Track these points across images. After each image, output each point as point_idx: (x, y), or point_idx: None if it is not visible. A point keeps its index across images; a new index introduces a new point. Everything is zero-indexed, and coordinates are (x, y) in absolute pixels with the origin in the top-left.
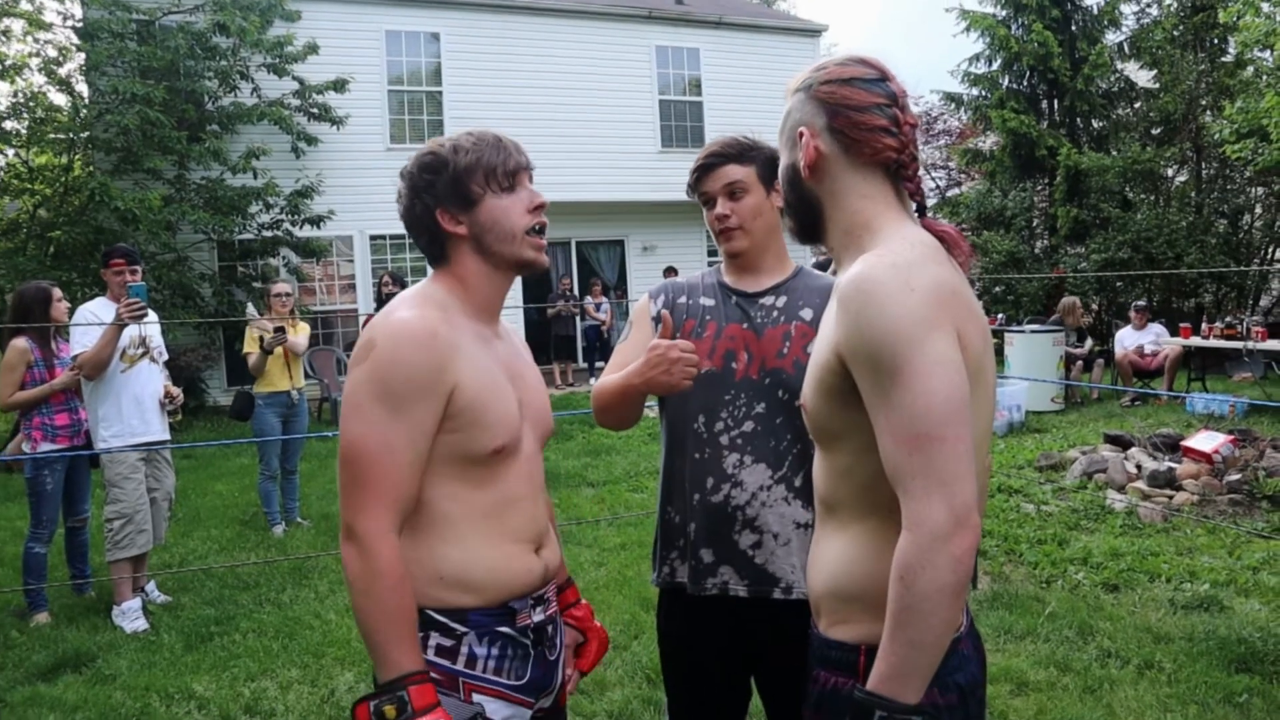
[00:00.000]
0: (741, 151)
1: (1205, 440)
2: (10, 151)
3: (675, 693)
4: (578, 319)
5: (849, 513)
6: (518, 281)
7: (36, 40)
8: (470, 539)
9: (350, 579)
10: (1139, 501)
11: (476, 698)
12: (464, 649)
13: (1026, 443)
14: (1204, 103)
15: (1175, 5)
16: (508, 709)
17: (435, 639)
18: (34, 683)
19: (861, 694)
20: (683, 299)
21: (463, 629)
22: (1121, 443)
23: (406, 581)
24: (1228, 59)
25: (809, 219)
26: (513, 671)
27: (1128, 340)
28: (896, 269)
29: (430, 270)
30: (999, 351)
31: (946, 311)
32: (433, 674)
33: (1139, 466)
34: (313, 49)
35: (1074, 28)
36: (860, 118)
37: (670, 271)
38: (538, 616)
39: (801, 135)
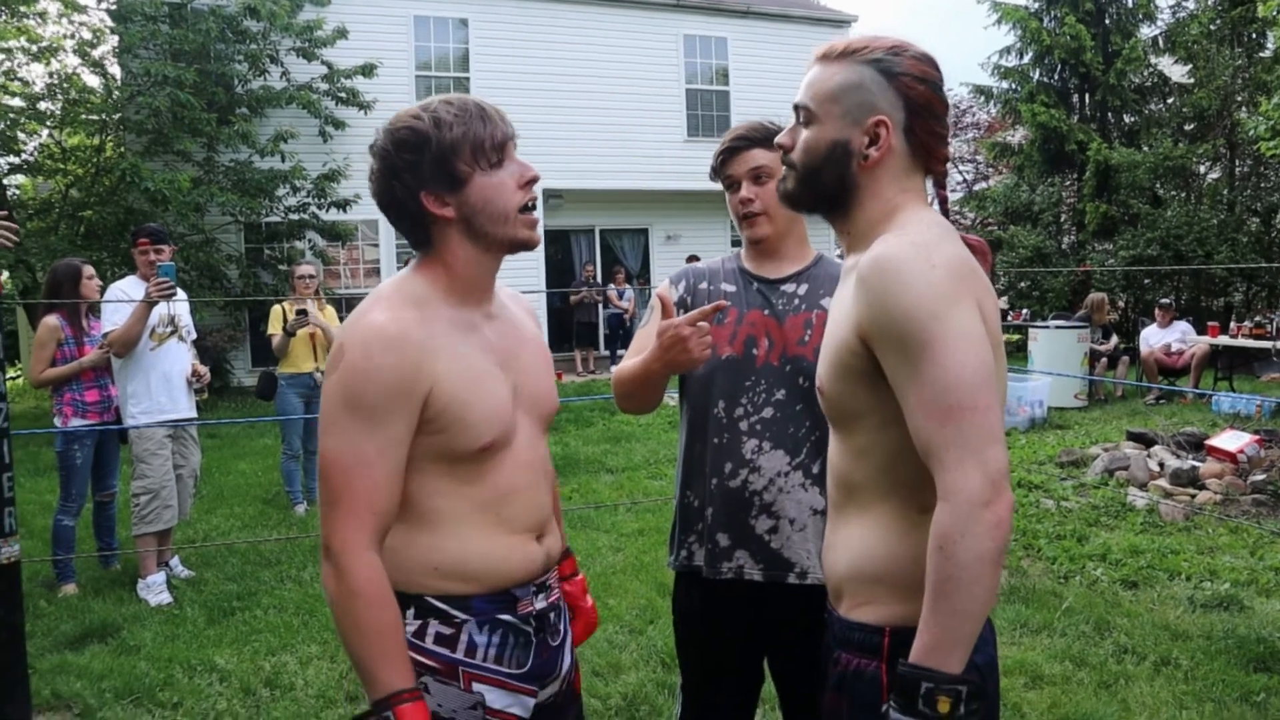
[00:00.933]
0: (767, 136)
1: (1230, 440)
2: (44, 132)
3: (689, 674)
4: (600, 306)
5: (869, 494)
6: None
7: (71, 22)
8: (465, 533)
9: (329, 600)
10: (1161, 499)
11: (477, 686)
12: (463, 637)
13: (1048, 439)
14: (1239, 99)
15: None
16: (508, 697)
17: (434, 627)
18: (62, 651)
19: (905, 667)
20: (704, 284)
21: (463, 616)
22: (1145, 440)
23: (388, 597)
24: (1265, 54)
25: (836, 198)
26: (514, 660)
27: (1153, 338)
28: (916, 247)
29: (414, 253)
30: (1022, 347)
31: (967, 286)
32: (432, 662)
33: (1162, 464)
34: (342, 34)
35: (1107, 21)
36: (936, 127)
37: (693, 259)
38: (540, 604)
39: (880, 126)
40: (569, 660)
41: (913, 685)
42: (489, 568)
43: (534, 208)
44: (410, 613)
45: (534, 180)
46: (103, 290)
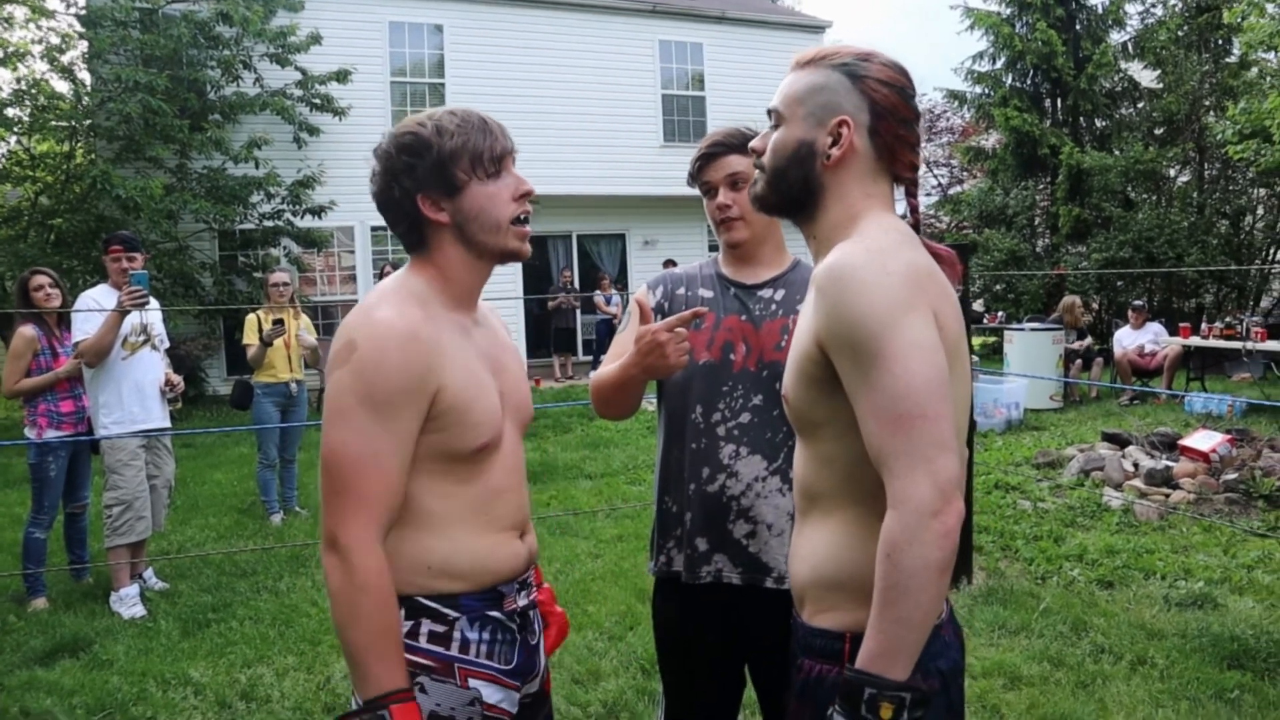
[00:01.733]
0: (744, 142)
1: (1203, 439)
2: (12, 139)
3: (670, 680)
4: (578, 312)
5: (831, 502)
6: (518, 274)
7: (39, 27)
8: (456, 532)
9: (332, 592)
10: (1135, 499)
11: (473, 682)
12: (456, 634)
13: (1024, 440)
14: (1207, 103)
15: (1180, 5)
16: (500, 692)
17: (427, 626)
18: (31, 667)
19: (851, 672)
20: (681, 289)
21: (454, 614)
22: (1119, 441)
23: (392, 597)
24: (1232, 60)
25: (801, 199)
26: (502, 655)
27: (1126, 340)
28: (871, 254)
29: (408, 256)
30: (998, 349)
31: (922, 294)
32: (428, 661)
33: (1136, 465)
34: (315, 39)
35: (1078, 27)
36: (902, 131)
37: (670, 264)
38: (522, 601)
39: (842, 125)
40: (543, 660)
41: (856, 690)
42: (478, 565)
43: (527, 220)
44: (402, 614)
45: (529, 194)
46: (73, 299)
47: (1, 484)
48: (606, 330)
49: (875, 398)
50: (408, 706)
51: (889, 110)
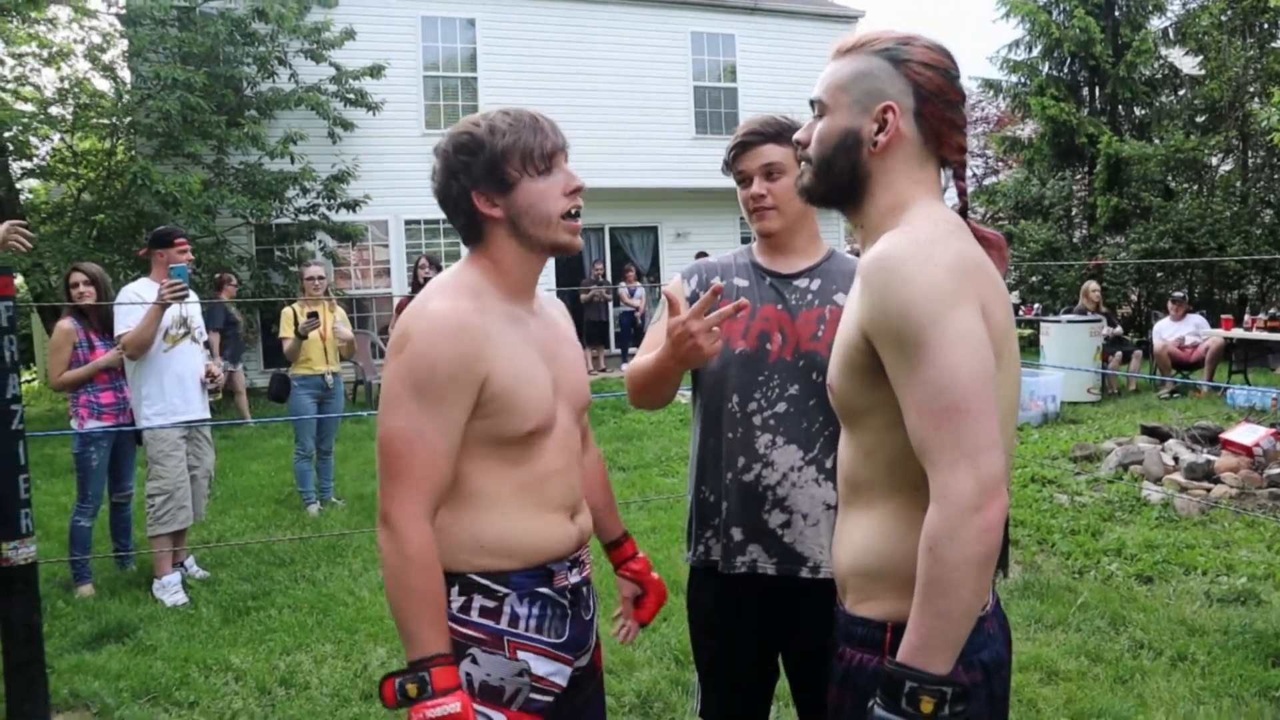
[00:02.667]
0: (780, 131)
1: (1246, 433)
2: (56, 137)
3: (704, 669)
4: (610, 304)
5: (875, 491)
6: (551, 266)
7: (81, 27)
8: (508, 510)
9: (385, 564)
10: (1176, 494)
11: (521, 655)
12: (506, 609)
13: (1061, 433)
14: (1251, 90)
15: None
16: (550, 665)
17: (479, 601)
18: (79, 651)
19: (892, 665)
20: (716, 279)
21: (504, 590)
22: (1159, 435)
23: (436, 567)
24: (1277, 44)
25: (848, 188)
26: (553, 630)
27: (1166, 332)
28: (919, 244)
29: (465, 250)
30: (1034, 342)
31: (970, 285)
32: (479, 634)
33: (1176, 459)
34: (350, 35)
35: (1117, 13)
36: (948, 113)
37: (702, 256)
38: (574, 578)
39: (888, 111)
40: (595, 637)
41: (897, 684)
42: (528, 543)
43: (577, 214)
44: (455, 589)
45: (579, 189)
46: (115, 293)
47: (48, 474)
48: (629, 322)
49: (920, 390)
50: (447, 670)
51: (934, 93)
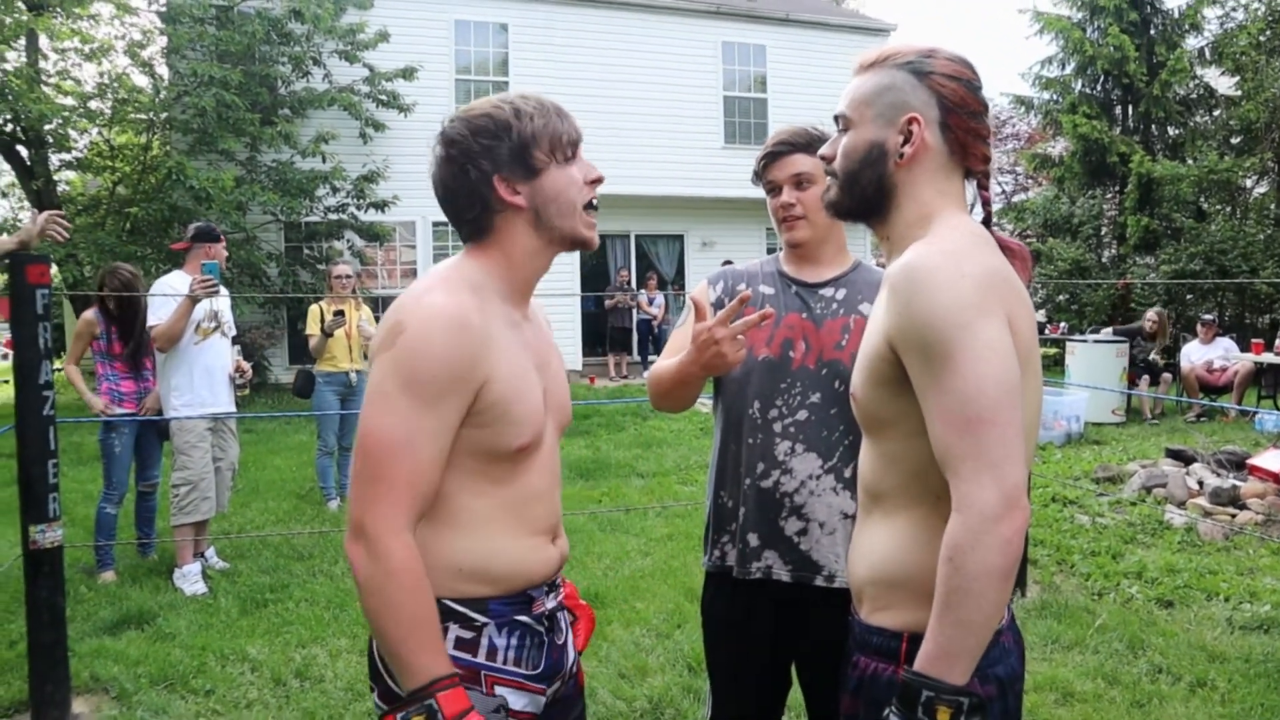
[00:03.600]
0: (810, 142)
1: (1273, 459)
2: (94, 130)
3: (717, 676)
4: (634, 311)
5: (895, 501)
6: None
7: (122, 23)
8: (491, 533)
9: (360, 582)
10: (1200, 518)
11: (499, 690)
12: (484, 640)
13: (1084, 454)
14: None
15: (1262, 9)
16: (525, 698)
17: (455, 631)
18: (100, 636)
19: (909, 674)
20: (742, 286)
21: (482, 619)
22: (1184, 458)
23: (424, 582)
24: None
25: (875, 201)
26: (529, 661)
27: (1194, 355)
28: (947, 255)
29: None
30: (1059, 361)
31: (997, 297)
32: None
33: (1201, 483)
34: (383, 37)
35: (1152, 31)
36: (973, 123)
37: (728, 264)
38: (550, 604)
39: (913, 122)
40: (572, 657)
41: (914, 692)
42: (511, 569)
43: (596, 207)
44: None
45: (599, 180)
46: (148, 286)
47: (75, 461)
48: (646, 330)
49: (945, 399)
50: (455, 693)
51: (958, 104)
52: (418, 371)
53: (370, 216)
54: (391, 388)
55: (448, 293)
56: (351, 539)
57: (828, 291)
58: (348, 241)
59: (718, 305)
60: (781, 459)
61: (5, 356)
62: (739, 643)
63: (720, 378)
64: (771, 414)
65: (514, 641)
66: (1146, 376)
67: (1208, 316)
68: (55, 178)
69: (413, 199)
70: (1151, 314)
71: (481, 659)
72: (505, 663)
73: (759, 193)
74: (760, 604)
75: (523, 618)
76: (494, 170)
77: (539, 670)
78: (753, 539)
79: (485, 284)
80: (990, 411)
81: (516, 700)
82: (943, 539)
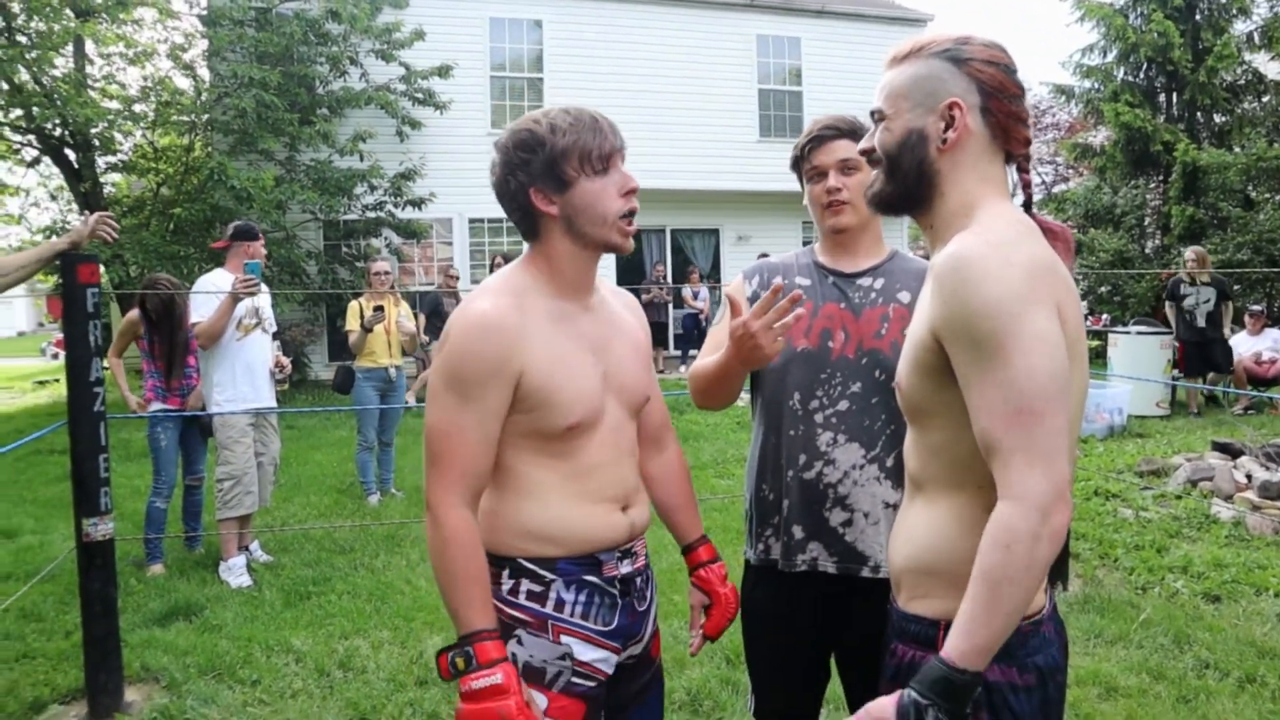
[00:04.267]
0: (855, 129)
1: None
2: (139, 133)
3: (758, 667)
4: (670, 306)
5: (937, 489)
6: (611, 267)
7: (165, 27)
8: (552, 499)
9: (429, 546)
10: (1248, 512)
11: (564, 639)
12: (552, 594)
13: (1127, 447)
14: None
15: None
16: (594, 651)
17: (526, 585)
18: (150, 627)
19: (949, 669)
20: (778, 279)
21: (551, 576)
22: (1231, 451)
23: (474, 548)
24: None
25: (918, 189)
26: (599, 618)
27: (1242, 346)
28: (994, 246)
29: (525, 245)
30: (1102, 353)
31: (1046, 287)
32: (525, 616)
33: (1249, 476)
34: (419, 36)
35: (1198, 17)
36: (1013, 107)
37: (764, 257)
38: (625, 569)
39: (954, 108)
40: (651, 627)
41: (957, 687)
42: (574, 533)
43: (632, 216)
44: (505, 573)
45: (634, 191)
46: (190, 285)
47: (124, 458)
48: (692, 324)
49: (994, 390)
50: (490, 644)
51: (998, 88)
52: (458, 371)
53: (407, 214)
54: (440, 386)
55: (490, 299)
56: (426, 512)
57: (865, 281)
58: (385, 239)
59: (753, 299)
60: (824, 450)
61: (56, 356)
62: (782, 634)
63: (758, 371)
64: (812, 405)
65: (582, 598)
66: (1194, 353)
67: (1256, 307)
68: (102, 180)
69: (449, 196)
70: (1190, 252)
71: (549, 609)
72: (573, 615)
73: (795, 186)
74: (804, 596)
75: (591, 578)
76: (529, 182)
77: (610, 628)
78: (797, 531)
79: (529, 286)
80: (1041, 403)
81: (585, 652)
82: (990, 528)
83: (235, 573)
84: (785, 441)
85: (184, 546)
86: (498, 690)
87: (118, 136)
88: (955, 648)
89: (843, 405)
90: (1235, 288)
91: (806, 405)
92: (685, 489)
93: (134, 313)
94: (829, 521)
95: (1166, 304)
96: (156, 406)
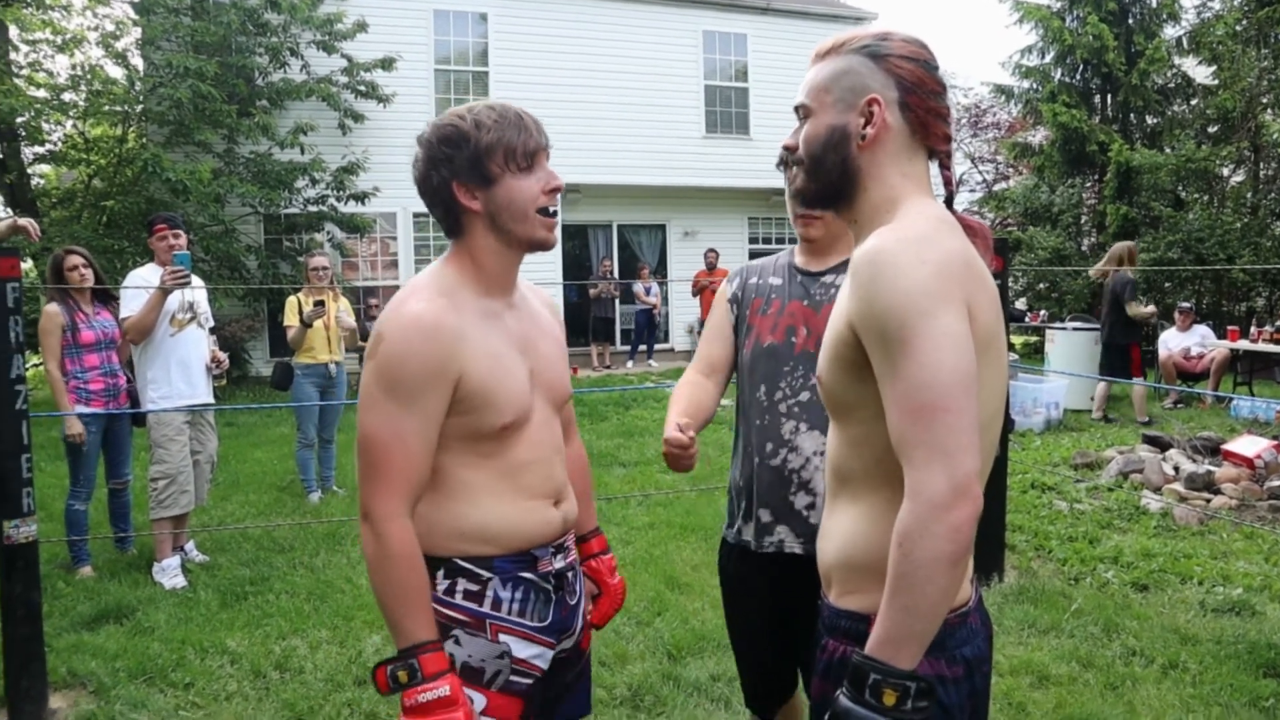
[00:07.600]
0: None
1: (1248, 445)
2: (69, 123)
3: (738, 645)
4: (617, 302)
5: (861, 484)
6: (558, 262)
7: (95, 14)
8: (486, 499)
9: (367, 558)
10: (1175, 503)
11: (502, 637)
12: (489, 593)
13: (1063, 441)
14: (1265, 101)
15: None
16: (531, 648)
17: (463, 584)
18: (78, 631)
19: (859, 658)
20: (754, 279)
21: (488, 574)
22: (1160, 444)
23: (417, 559)
24: None
25: (842, 186)
26: (535, 614)
27: (1172, 342)
28: (908, 242)
29: (449, 241)
30: (1039, 349)
31: (957, 285)
32: (462, 616)
33: (1177, 468)
34: (362, 27)
35: (1131, 21)
36: (932, 103)
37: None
38: (558, 564)
39: (872, 104)
40: (581, 620)
41: (862, 675)
42: (509, 530)
43: (555, 213)
44: (440, 573)
45: (558, 189)
46: (123, 279)
47: (53, 456)
48: (645, 320)
49: (900, 386)
50: (435, 655)
51: (916, 84)
52: (396, 377)
53: (350, 208)
54: (377, 392)
55: (423, 300)
56: (361, 522)
57: (828, 278)
58: (328, 233)
59: (734, 300)
60: (788, 438)
61: None
62: (753, 610)
63: (738, 366)
64: (777, 396)
65: (518, 595)
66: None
67: (1185, 304)
68: (29, 171)
69: (393, 190)
70: (1118, 246)
71: (487, 609)
72: (510, 613)
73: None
74: (774, 574)
75: (527, 574)
76: (452, 177)
77: (546, 623)
78: (764, 514)
79: (458, 284)
80: (943, 399)
81: (522, 649)
82: (895, 526)
83: (169, 574)
84: (754, 430)
85: (115, 548)
86: (446, 702)
87: (45, 126)
88: (870, 638)
89: (804, 396)
90: (1166, 285)
91: (772, 397)
92: (585, 482)
93: (51, 306)
94: (794, 505)
95: (1130, 304)
96: (78, 409)
